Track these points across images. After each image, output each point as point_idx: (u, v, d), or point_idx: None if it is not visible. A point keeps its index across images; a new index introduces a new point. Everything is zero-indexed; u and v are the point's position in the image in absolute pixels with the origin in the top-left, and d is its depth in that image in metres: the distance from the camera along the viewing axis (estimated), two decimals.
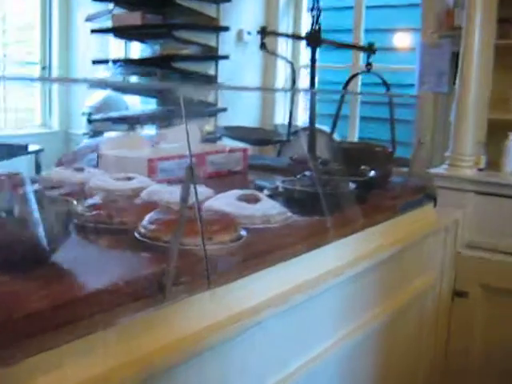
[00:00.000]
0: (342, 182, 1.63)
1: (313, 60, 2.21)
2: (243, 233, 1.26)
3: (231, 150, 2.20)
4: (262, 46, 2.28)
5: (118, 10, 3.78)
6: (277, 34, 2.57)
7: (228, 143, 2.61)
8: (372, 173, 1.80)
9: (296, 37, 2.46)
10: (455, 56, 3.04)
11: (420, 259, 2.06)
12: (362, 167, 1.91)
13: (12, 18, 4.78)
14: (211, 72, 3.81)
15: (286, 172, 2.04)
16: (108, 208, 1.26)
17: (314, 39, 2.16)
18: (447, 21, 3.32)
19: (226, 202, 1.36)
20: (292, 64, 2.31)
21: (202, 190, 1.53)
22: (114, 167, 1.96)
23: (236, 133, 2.39)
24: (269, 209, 1.36)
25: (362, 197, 1.69)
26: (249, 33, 4.11)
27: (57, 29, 5.01)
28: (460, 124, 2.60)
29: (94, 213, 1.23)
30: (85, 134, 4.46)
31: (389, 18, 4.20)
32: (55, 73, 5.15)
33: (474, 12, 2.55)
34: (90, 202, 1.31)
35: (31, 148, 3.22)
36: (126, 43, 4.53)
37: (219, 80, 3.83)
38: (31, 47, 5.07)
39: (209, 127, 3.44)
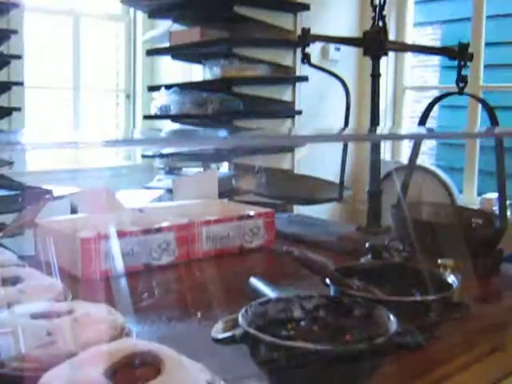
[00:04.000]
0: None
1: (374, 73, 1.39)
2: None
3: (242, 217, 1.43)
4: None
5: (177, 27, 3.16)
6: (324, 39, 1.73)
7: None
8: (451, 279, 0.94)
9: (343, 40, 1.56)
10: None
11: None
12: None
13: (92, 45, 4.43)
14: (286, 98, 3.04)
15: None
16: None
17: (374, 43, 1.35)
18: None
19: None
20: (343, 83, 1.47)
21: None
22: (52, 246, 1.29)
23: (257, 187, 1.57)
24: None
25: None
26: (337, 49, 3.32)
27: (141, 55, 4.64)
28: None
29: None
30: (160, 169, 3.93)
31: None
32: (138, 101, 4.80)
33: None
34: None
35: (66, 191, 2.64)
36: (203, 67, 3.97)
37: (297, 107, 3.05)
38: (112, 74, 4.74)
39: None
